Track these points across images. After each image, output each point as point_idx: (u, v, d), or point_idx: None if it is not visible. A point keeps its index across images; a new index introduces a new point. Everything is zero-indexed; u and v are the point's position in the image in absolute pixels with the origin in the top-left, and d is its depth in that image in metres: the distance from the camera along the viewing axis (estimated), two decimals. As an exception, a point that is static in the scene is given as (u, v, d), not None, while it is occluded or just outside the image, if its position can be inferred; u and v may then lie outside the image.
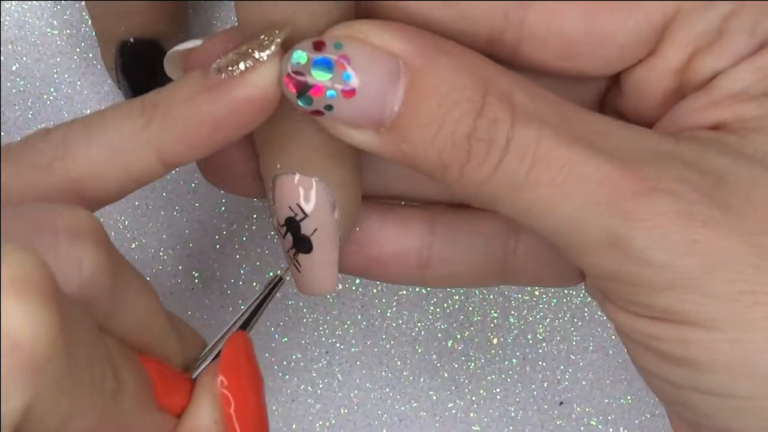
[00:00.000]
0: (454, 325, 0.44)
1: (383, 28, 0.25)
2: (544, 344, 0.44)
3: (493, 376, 0.44)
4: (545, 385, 0.44)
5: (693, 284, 0.25)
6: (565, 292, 0.44)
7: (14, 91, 0.42)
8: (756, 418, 0.26)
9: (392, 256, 0.32)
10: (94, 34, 0.41)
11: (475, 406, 0.44)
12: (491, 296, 0.44)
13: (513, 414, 0.44)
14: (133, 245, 0.42)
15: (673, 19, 0.27)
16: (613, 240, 0.25)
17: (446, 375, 0.44)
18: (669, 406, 0.29)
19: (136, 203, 0.42)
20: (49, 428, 0.20)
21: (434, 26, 0.27)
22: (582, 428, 0.44)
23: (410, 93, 0.25)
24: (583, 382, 0.44)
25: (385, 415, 0.44)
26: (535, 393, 0.44)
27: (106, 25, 0.39)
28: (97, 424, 0.22)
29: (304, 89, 0.25)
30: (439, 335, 0.44)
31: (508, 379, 0.44)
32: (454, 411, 0.44)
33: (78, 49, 0.42)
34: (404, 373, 0.44)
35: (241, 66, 0.26)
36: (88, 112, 0.42)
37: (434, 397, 0.44)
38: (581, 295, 0.44)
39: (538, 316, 0.44)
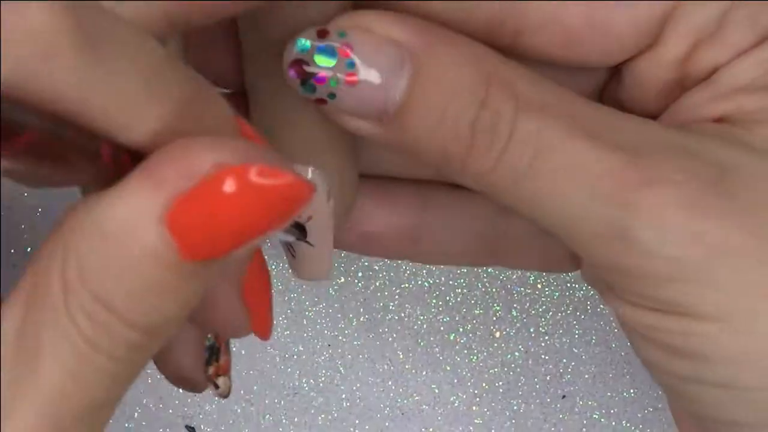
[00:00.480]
0: (457, 318, 0.44)
1: (387, 18, 0.25)
2: (546, 337, 0.44)
3: (496, 370, 0.44)
4: (548, 378, 0.44)
5: (697, 276, 0.24)
6: (568, 285, 0.44)
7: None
8: (760, 409, 0.26)
9: (384, 233, 0.32)
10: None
11: (478, 399, 0.44)
12: (494, 289, 0.44)
13: (515, 407, 0.44)
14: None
15: (674, 10, 0.27)
16: (617, 231, 0.25)
17: (448, 368, 0.44)
18: (673, 397, 0.29)
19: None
20: (96, 124, 0.19)
21: (435, 18, 0.27)
22: (585, 421, 0.44)
23: (413, 83, 0.25)
24: (586, 376, 0.44)
25: (388, 409, 0.44)
26: (537, 386, 0.44)
27: None
28: (163, 129, 0.20)
29: (307, 77, 0.25)
30: (442, 328, 0.44)
31: (511, 373, 0.44)
32: (456, 404, 0.44)
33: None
34: (406, 367, 0.44)
35: None
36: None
37: (436, 391, 0.44)
38: (584, 288, 0.44)
39: (540, 310, 0.44)
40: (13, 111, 0.17)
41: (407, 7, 0.27)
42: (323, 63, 0.25)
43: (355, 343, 0.44)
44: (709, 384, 0.26)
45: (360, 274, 0.43)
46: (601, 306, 0.44)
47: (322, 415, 0.44)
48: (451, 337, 0.44)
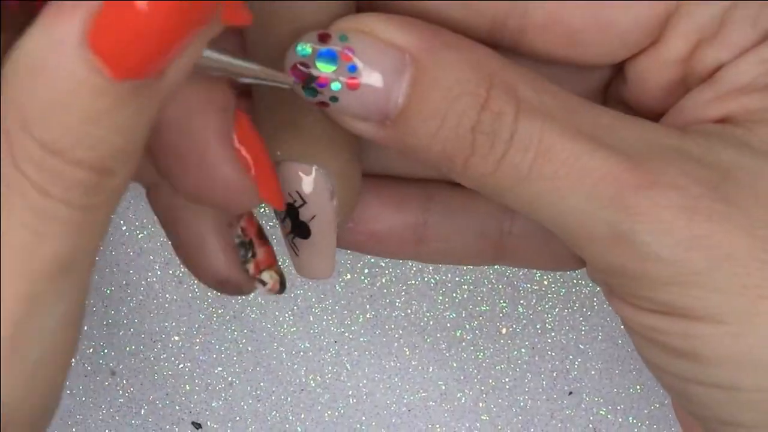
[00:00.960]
0: (463, 314, 0.44)
1: (388, 21, 0.25)
2: (553, 334, 0.44)
3: (502, 366, 0.44)
4: (554, 374, 0.44)
5: (697, 278, 0.25)
6: (574, 282, 0.44)
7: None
8: (761, 411, 0.26)
9: (388, 232, 0.32)
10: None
11: (484, 395, 0.44)
12: (500, 286, 0.44)
13: (522, 404, 0.44)
14: (140, 235, 0.42)
15: (676, 9, 0.27)
16: (617, 234, 0.25)
17: (455, 365, 0.44)
18: (675, 398, 0.29)
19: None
20: None
21: (437, 17, 0.27)
22: (591, 418, 0.44)
23: (415, 86, 0.25)
24: (593, 372, 0.44)
25: (394, 405, 0.44)
26: (544, 383, 0.44)
27: None
28: None
29: (309, 80, 0.25)
30: (448, 325, 0.44)
31: (517, 369, 0.44)
32: (463, 401, 0.44)
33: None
34: (413, 363, 0.44)
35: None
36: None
37: (443, 387, 0.44)
38: (590, 284, 0.44)
39: (547, 306, 0.44)
40: None
41: (410, 7, 0.27)
42: (324, 69, 0.25)
43: (362, 339, 0.44)
44: (711, 385, 0.26)
45: (366, 271, 0.43)
46: (608, 303, 0.44)
47: (329, 412, 0.44)
48: (458, 334, 0.44)
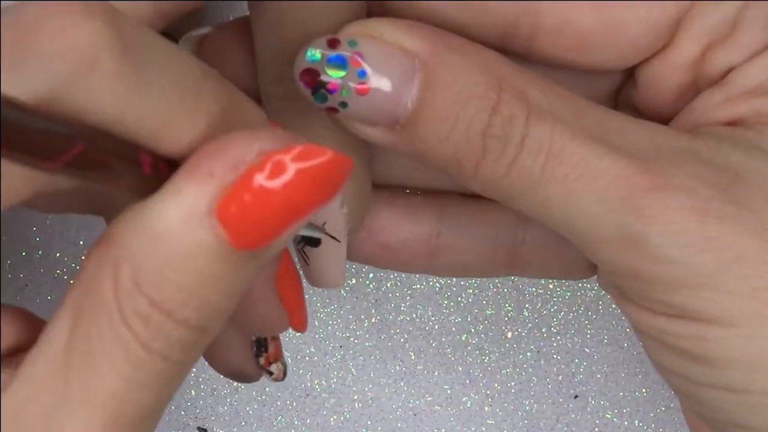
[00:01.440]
0: (468, 318, 0.44)
1: (397, 26, 0.25)
2: (558, 337, 0.44)
3: (508, 370, 0.44)
4: (560, 378, 0.44)
5: (708, 281, 0.24)
6: (579, 285, 0.44)
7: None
8: (772, 414, 0.26)
9: (401, 244, 0.32)
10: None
11: (490, 399, 0.44)
12: (505, 290, 0.44)
13: (528, 407, 0.44)
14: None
15: (687, 12, 0.27)
16: (628, 236, 0.25)
17: (461, 369, 0.44)
18: (686, 401, 0.29)
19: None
20: (136, 135, 0.20)
21: (448, 23, 0.27)
22: (597, 421, 0.44)
23: (424, 91, 0.25)
24: (598, 375, 0.44)
25: (400, 410, 0.44)
26: (549, 386, 0.44)
27: None
28: (200, 138, 0.21)
29: (318, 86, 0.25)
30: (453, 329, 0.44)
31: (523, 373, 0.44)
32: (468, 405, 0.44)
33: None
34: (418, 367, 0.44)
35: None
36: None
37: (449, 391, 0.44)
38: (595, 288, 0.44)
39: (552, 309, 0.44)
40: (59, 125, 0.18)
41: (420, 10, 0.27)
42: (334, 74, 0.25)
43: (367, 344, 0.44)
44: (723, 388, 0.26)
45: (371, 276, 0.43)
46: (613, 306, 0.44)
47: (334, 416, 0.44)
48: (463, 338, 0.44)
